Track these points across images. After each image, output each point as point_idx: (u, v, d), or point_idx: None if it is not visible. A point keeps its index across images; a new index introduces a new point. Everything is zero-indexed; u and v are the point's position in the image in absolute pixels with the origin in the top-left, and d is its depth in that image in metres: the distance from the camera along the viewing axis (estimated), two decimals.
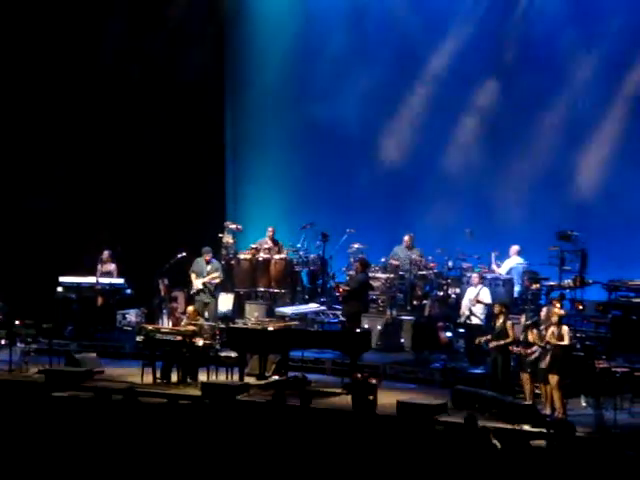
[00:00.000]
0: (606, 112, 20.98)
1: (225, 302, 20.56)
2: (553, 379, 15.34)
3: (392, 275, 20.37)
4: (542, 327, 15.79)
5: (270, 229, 21.47)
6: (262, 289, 21.02)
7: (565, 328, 15.60)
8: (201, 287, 19.51)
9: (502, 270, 19.91)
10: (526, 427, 14.66)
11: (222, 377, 17.37)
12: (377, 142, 22.59)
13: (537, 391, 15.95)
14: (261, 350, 17.50)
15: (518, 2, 22.02)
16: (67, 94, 21.84)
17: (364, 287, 19.07)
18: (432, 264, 20.46)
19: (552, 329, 15.52)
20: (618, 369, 15.88)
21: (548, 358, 15.44)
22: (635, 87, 20.93)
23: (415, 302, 20.20)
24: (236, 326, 18.12)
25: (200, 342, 17.32)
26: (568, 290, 18.63)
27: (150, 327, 18.09)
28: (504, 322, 16.41)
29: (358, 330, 17.95)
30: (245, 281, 21.13)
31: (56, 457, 10.27)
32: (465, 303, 18.50)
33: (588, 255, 18.66)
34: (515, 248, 20.13)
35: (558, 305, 16.42)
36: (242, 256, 21.22)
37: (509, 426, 14.59)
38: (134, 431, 10.74)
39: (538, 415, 15.06)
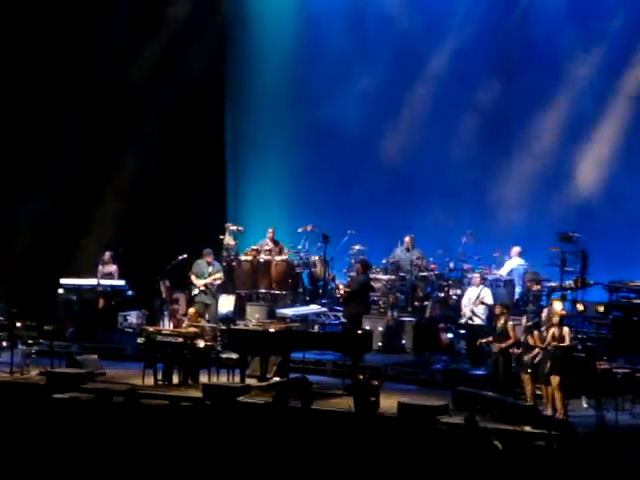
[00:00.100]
0: (607, 112, 20.99)
1: (226, 303, 20.56)
2: (554, 380, 15.34)
3: (393, 276, 20.37)
4: (543, 328, 15.79)
5: (270, 230, 21.46)
6: (263, 290, 21.02)
7: (566, 329, 15.60)
8: (202, 288, 19.49)
9: (503, 271, 19.90)
10: (527, 428, 14.65)
11: (223, 379, 17.36)
12: (378, 143, 22.58)
13: (538, 392, 15.95)
14: (262, 352, 17.48)
15: (518, 1, 22.05)
16: (67, 94, 21.84)
17: (365, 288, 19.06)
18: (433, 265, 20.46)
19: (553, 330, 15.52)
20: (619, 370, 15.88)
21: (549, 359, 15.44)
22: (636, 86, 20.92)
23: (416, 303, 20.20)
24: (237, 327, 18.11)
25: (201, 344, 17.31)
26: (569, 291, 18.64)
27: (151, 329, 18.08)
28: (505, 323, 16.41)
29: (359, 331, 17.93)
30: (246, 283, 21.13)
31: (57, 459, 10.26)
32: (465, 303, 18.51)
33: (589, 256, 18.66)
34: (516, 249, 20.13)
35: (559, 303, 16.44)
36: (243, 258, 21.22)
37: (510, 427, 14.58)
38: (135, 433, 10.73)
39: (539, 416, 15.04)
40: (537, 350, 15.67)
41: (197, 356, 17.27)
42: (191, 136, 22.73)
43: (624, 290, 18.55)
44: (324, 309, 20.00)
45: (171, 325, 18.95)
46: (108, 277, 20.85)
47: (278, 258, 21.05)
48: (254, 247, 21.29)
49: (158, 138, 22.50)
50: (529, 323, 16.19)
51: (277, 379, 17.27)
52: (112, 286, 20.68)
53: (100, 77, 22.14)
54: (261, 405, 14.98)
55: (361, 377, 15.87)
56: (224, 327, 18.50)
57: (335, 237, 20.86)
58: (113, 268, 20.97)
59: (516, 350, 16.17)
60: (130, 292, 20.78)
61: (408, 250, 20.66)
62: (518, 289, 19.81)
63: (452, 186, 21.86)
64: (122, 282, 20.75)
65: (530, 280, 19.49)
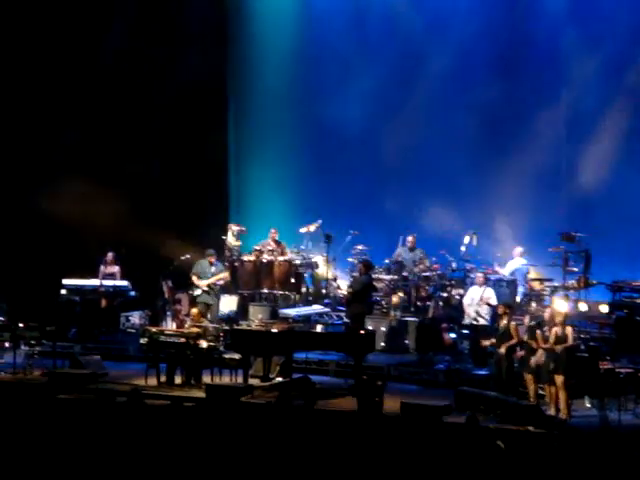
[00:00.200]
0: (610, 111, 20.99)
1: (227, 304, 20.56)
2: (559, 379, 15.32)
3: (396, 276, 20.37)
4: (546, 328, 15.78)
5: (273, 230, 21.46)
6: (266, 291, 21.01)
7: (569, 329, 15.59)
8: (205, 289, 19.47)
9: (505, 271, 19.90)
10: (530, 428, 14.64)
11: (226, 379, 17.36)
12: (380, 142, 22.58)
13: (541, 392, 15.94)
14: (265, 352, 17.47)
15: (519, 1, 22.04)
16: (68, 94, 21.85)
17: (367, 289, 19.05)
18: (435, 265, 20.46)
19: (556, 330, 15.51)
20: (622, 370, 15.86)
21: (553, 359, 15.42)
22: (637, 85, 20.91)
23: (419, 303, 20.20)
24: (240, 328, 18.10)
25: (204, 344, 17.30)
26: (572, 291, 18.63)
27: (154, 329, 18.07)
28: (508, 323, 16.39)
29: (362, 331, 17.92)
30: (249, 283, 21.12)
31: (61, 459, 10.26)
32: (467, 303, 18.48)
33: (592, 256, 18.65)
34: (519, 249, 20.13)
35: (562, 303, 16.45)
36: (246, 258, 21.22)
37: (513, 427, 14.57)
38: (139, 433, 10.73)
39: (542, 416, 15.04)
40: (540, 352, 15.65)
41: (200, 356, 17.26)
42: (193, 136, 22.73)
43: (627, 290, 18.54)
44: (327, 309, 20.01)
45: (174, 325, 18.94)
46: (110, 278, 20.86)
47: (281, 258, 21.05)
48: (257, 247, 21.29)
49: (160, 138, 22.50)
50: (532, 323, 16.17)
51: (280, 379, 17.26)
52: (114, 286, 20.69)
53: (102, 77, 22.14)
54: (264, 405, 14.96)
55: (365, 377, 15.83)
56: (227, 327, 18.49)
57: (338, 237, 20.86)
58: (115, 269, 20.98)
59: (519, 352, 16.15)
60: (133, 292, 20.78)
61: (411, 250, 20.66)
62: (521, 289, 19.80)
63: (455, 186, 21.84)
64: (125, 282, 20.76)
65: (533, 280, 19.50)
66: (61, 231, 21.42)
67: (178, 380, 17.27)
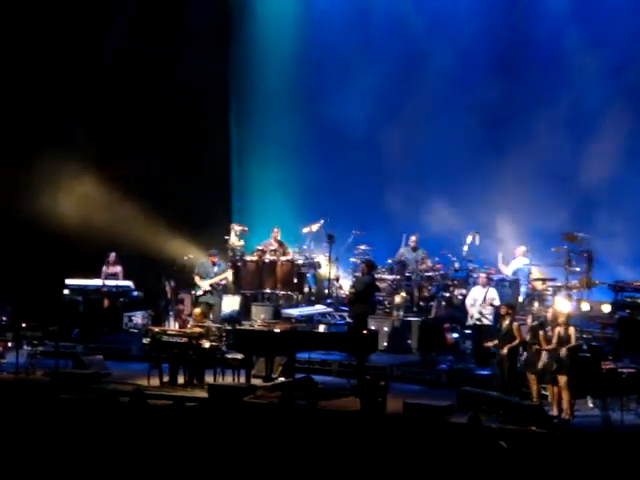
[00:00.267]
0: (612, 111, 20.95)
1: (229, 304, 20.57)
2: (562, 379, 15.32)
3: (399, 276, 20.37)
4: (548, 328, 15.77)
5: (276, 230, 21.46)
6: (268, 291, 21.02)
7: (572, 329, 15.58)
8: (208, 288, 19.47)
9: (508, 271, 19.90)
10: (533, 428, 14.64)
11: (228, 379, 17.36)
12: (382, 142, 22.56)
13: (544, 392, 15.93)
14: (267, 352, 17.47)
15: (521, 1, 22.04)
16: (71, 95, 21.86)
17: (370, 289, 19.05)
18: (438, 265, 20.46)
19: (558, 330, 15.51)
20: (625, 370, 15.86)
21: (556, 359, 15.42)
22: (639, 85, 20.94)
23: (421, 303, 20.20)
24: (242, 328, 18.11)
25: (206, 344, 17.31)
26: (575, 291, 18.63)
27: (156, 329, 18.08)
28: (510, 323, 16.38)
29: (365, 332, 17.92)
30: (251, 283, 21.13)
31: (63, 459, 10.27)
32: (470, 303, 18.47)
33: (594, 256, 18.65)
34: (521, 249, 20.13)
35: (565, 303, 16.45)
36: (248, 258, 21.22)
37: (515, 427, 14.57)
38: (141, 433, 10.74)
39: (545, 416, 15.04)
40: (544, 353, 15.63)
41: (202, 356, 17.26)
42: (195, 136, 22.74)
43: (629, 290, 18.54)
44: (329, 309, 20.02)
45: (176, 325, 18.95)
46: (113, 278, 20.87)
47: (283, 258, 21.06)
48: (259, 247, 21.30)
49: (162, 138, 22.50)
50: (534, 323, 16.16)
51: (282, 379, 17.26)
52: (117, 286, 20.71)
53: (103, 76, 22.15)
54: (267, 405, 14.97)
55: (368, 377, 15.83)
56: (229, 327, 18.50)
57: (340, 237, 20.86)
58: (118, 269, 21.00)
59: (525, 354, 16.14)
60: (135, 292, 20.80)
61: (414, 249, 20.66)
62: (523, 289, 19.80)
63: (457, 186, 21.84)
64: (127, 283, 20.77)
65: (535, 280, 19.50)
66: (64, 231, 21.41)
67: (181, 380, 17.27)
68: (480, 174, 21.76)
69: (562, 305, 16.53)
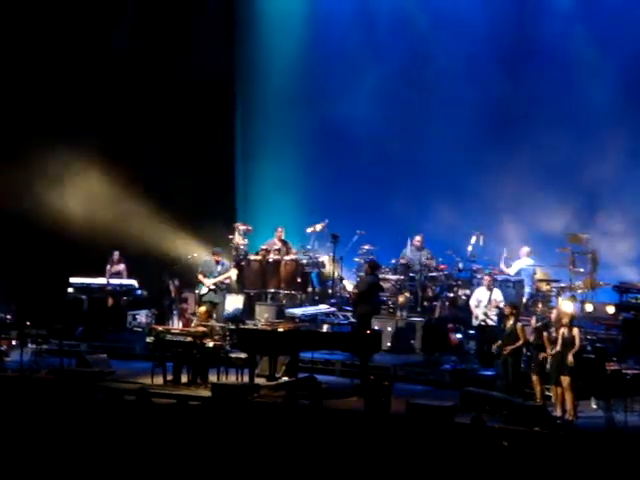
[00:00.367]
0: (618, 110, 20.93)
1: (233, 303, 20.57)
2: (565, 381, 15.32)
3: (402, 276, 20.37)
4: (552, 329, 15.76)
5: (280, 230, 21.46)
6: (272, 290, 21.02)
7: (576, 330, 15.57)
8: (212, 287, 19.47)
9: (511, 271, 19.88)
10: (536, 429, 14.63)
11: (232, 378, 17.37)
12: (387, 143, 22.57)
13: (548, 393, 15.93)
14: (271, 351, 17.48)
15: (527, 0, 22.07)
16: (76, 94, 21.84)
17: (373, 289, 19.05)
18: (442, 265, 20.45)
19: (563, 331, 15.50)
20: (629, 371, 15.85)
21: (559, 360, 15.41)
22: None
23: (425, 303, 20.20)
24: (246, 327, 18.12)
25: (210, 343, 17.32)
26: (579, 292, 18.63)
27: (160, 328, 18.09)
28: (514, 324, 16.37)
29: (368, 331, 17.92)
30: (255, 282, 21.14)
31: (67, 458, 10.28)
32: (474, 304, 18.45)
33: (599, 257, 18.64)
34: (525, 249, 20.12)
35: (569, 304, 16.45)
36: (252, 257, 21.23)
37: (519, 428, 14.57)
38: (145, 431, 10.75)
39: (548, 417, 15.04)
40: (547, 353, 15.63)
41: (206, 355, 17.26)
42: (201, 136, 22.75)
43: (634, 291, 18.53)
44: (333, 309, 20.01)
45: (180, 324, 18.96)
46: (117, 276, 20.89)
47: (287, 258, 21.06)
48: (263, 246, 21.30)
49: (168, 137, 22.51)
50: (538, 324, 16.15)
51: (286, 379, 17.27)
52: (121, 285, 20.73)
53: (109, 76, 22.16)
54: (271, 404, 14.98)
55: (372, 378, 15.83)
56: (233, 326, 18.50)
57: (344, 237, 20.86)
58: (121, 267, 21.02)
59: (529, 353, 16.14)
60: (139, 291, 20.82)
61: (419, 250, 20.66)
62: (527, 289, 19.79)
63: (461, 186, 21.83)
64: (131, 281, 20.79)
65: (540, 280, 19.49)
66: (68, 230, 21.41)
67: (184, 379, 17.28)
68: (485, 174, 21.70)
69: (566, 306, 16.51)
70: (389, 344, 19.40)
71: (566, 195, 21.03)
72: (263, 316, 19.35)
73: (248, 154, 24.34)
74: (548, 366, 15.63)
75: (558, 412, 15.42)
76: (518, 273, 19.92)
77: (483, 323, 18.21)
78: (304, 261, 21.24)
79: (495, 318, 18.09)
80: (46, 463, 10.12)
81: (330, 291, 21.12)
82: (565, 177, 21.24)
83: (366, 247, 20.68)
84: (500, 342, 16.44)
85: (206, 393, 16.32)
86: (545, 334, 15.76)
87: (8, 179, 21.43)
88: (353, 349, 17.55)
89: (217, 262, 19.61)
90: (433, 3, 22.89)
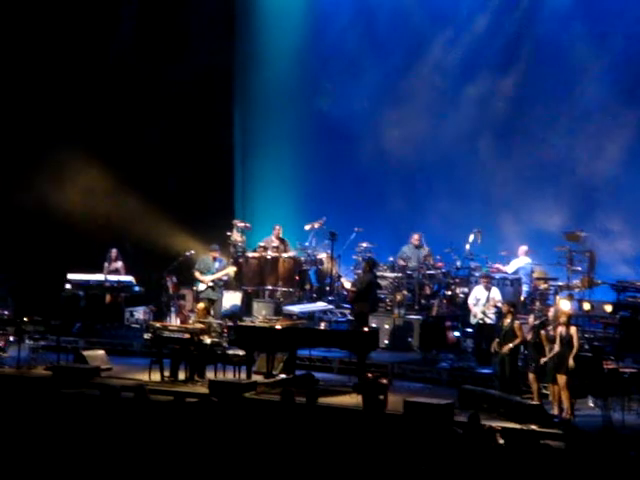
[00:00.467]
0: (616, 108, 20.92)
1: (230, 300, 20.57)
2: (561, 379, 15.31)
3: (400, 274, 20.37)
4: (550, 327, 15.76)
5: (277, 227, 21.45)
6: (270, 287, 21.02)
7: (573, 329, 15.56)
8: (210, 284, 19.46)
9: (510, 269, 19.89)
10: (533, 427, 14.64)
11: (229, 375, 17.36)
12: (385, 140, 22.55)
13: (545, 391, 15.93)
14: (269, 348, 17.48)
15: None
16: (75, 90, 21.86)
17: (371, 287, 19.06)
18: (440, 263, 20.45)
19: (560, 330, 15.49)
20: (626, 370, 15.85)
21: (556, 359, 15.41)
22: None
23: (423, 301, 20.20)
24: (244, 324, 18.11)
25: (208, 340, 17.32)
26: (577, 290, 18.62)
27: (158, 324, 18.11)
28: (512, 322, 16.37)
29: (366, 329, 17.92)
30: (253, 279, 21.13)
31: (63, 453, 10.27)
32: (472, 302, 18.44)
33: (597, 256, 18.65)
34: (523, 248, 20.12)
35: (567, 302, 16.45)
36: (250, 254, 21.23)
37: (516, 426, 14.57)
38: (142, 428, 10.74)
39: (545, 415, 15.04)
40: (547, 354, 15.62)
41: (203, 352, 17.27)
42: (199, 133, 22.75)
43: (632, 289, 18.52)
44: (331, 306, 20.02)
45: (178, 321, 18.95)
46: (114, 273, 20.88)
47: (285, 255, 21.06)
48: (261, 244, 21.30)
49: (166, 135, 22.51)
50: (536, 322, 16.15)
51: (283, 376, 17.26)
52: (119, 282, 20.72)
53: (108, 72, 22.16)
54: (268, 402, 14.97)
55: (370, 375, 15.82)
56: (231, 323, 18.51)
57: (342, 234, 20.85)
58: (119, 264, 21.01)
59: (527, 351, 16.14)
60: (137, 288, 20.82)
61: (417, 247, 20.66)
62: (525, 288, 19.78)
63: (459, 184, 21.85)
64: (129, 278, 20.78)
65: (537, 279, 19.49)
66: (66, 226, 21.42)
67: (182, 375, 17.28)
68: (483, 172, 21.74)
69: (564, 305, 16.51)
70: (387, 342, 19.40)
71: (564, 194, 21.03)
72: (261, 313, 19.35)
73: (247, 151, 24.34)
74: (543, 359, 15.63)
75: (555, 410, 15.42)
76: (516, 271, 19.92)
77: (481, 321, 18.20)
78: (302, 258, 21.23)
79: (493, 317, 18.08)
80: (41, 459, 10.12)
81: (328, 288, 21.11)
82: (563, 176, 21.24)
83: (364, 245, 20.68)
84: (498, 340, 16.44)
85: (203, 390, 16.33)
86: (543, 332, 15.75)
87: (7, 175, 21.46)
88: (351, 347, 17.54)
89: (214, 259, 19.61)
90: None
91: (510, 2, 22.15)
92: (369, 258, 19.75)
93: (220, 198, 23.30)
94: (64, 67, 21.77)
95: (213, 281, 19.47)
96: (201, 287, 19.53)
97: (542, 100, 21.51)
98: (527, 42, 21.80)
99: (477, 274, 19.41)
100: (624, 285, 18.59)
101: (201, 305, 18.15)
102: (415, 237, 20.70)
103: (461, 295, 19.67)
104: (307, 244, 21.41)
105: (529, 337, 16.14)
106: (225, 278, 19.86)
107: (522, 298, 19.53)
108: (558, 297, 18.26)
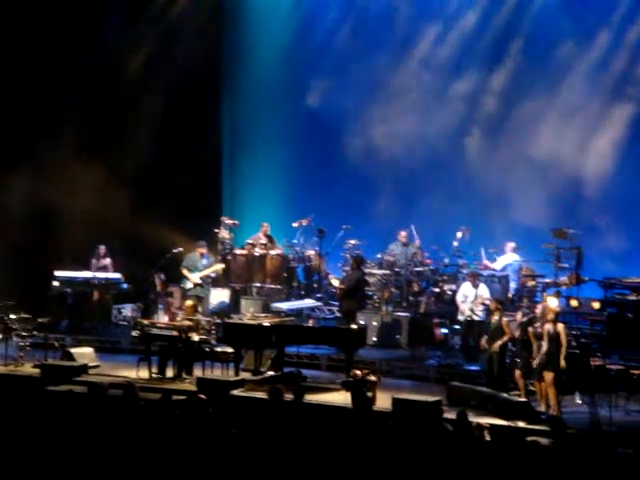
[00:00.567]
0: (604, 105, 20.94)
1: (218, 297, 20.56)
2: (548, 376, 15.34)
3: (388, 272, 20.38)
4: (538, 324, 15.78)
5: (265, 225, 21.45)
6: (258, 284, 21.02)
7: (561, 326, 15.59)
8: (199, 281, 19.44)
9: (497, 266, 19.91)
10: (521, 424, 14.68)
11: (217, 372, 17.36)
12: (374, 137, 22.52)
13: (531, 388, 15.96)
14: (256, 345, 17.48)
15: None
16: (62, 86, 21.78)
17: (359, 284, 19.07)
18: (428, 260, 20.47)
19: (548, 327, 15.51)
20: (613, 367, 15.89)
21: (543, 355, 15.44)
22: (633, 77, 20.93)
23: (411, 298, 20.21)
24: (232, 321, 18.10)
25: (196, 337, 17.30)
26: (564, 287, 18.66)
27: (146, 322, 18.09)
28: (500, 319, 16.40)
29: (354, 326, 17.93)
30: (241, 276, 21.13)
31: (50, 451, 10.25)
32: (461, 299, 18.46)
33: (584, 252, 18.68)
34: (511, 245, 20.13)
35: (554, 299, 16.49)
36: (238, 251, 21.22)
37: (504, 422, 14.61)
38: (130, 426, 10.73)
39: (533, 412, 15.08)
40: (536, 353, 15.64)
41: (191, 349, 17.26)
42: (187, 130, 22.70)
43: (619, 286, 18.57)
44: (319, 303, 20.05)
45: (166, 318, 18.95)
46: (102, 270, 20.85)
47: (273, 252, 21.06)
48: (249, 241, 21.29)
49: (154, 131, 22.46)
50: (524, 319, 16.18)
51: (271, 373, 17.26)
52: (107, 279, 20.69)
53: (95, 67, 22.09)
54: (256, 399, 14.97)
55: (358, 372, 15.83)
56: (219, 320, 18.50)
57: (330, 232, 20.86)
58: (107, 261, 20.97)
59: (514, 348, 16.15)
60: (125, 285, 20.78)
61: (404, 245, 20.68)
62: (513, 285, 19.81)
63: (448, 181, 21.83)
64: (117, 275, 20.75)
65: (525, 276, 19.53)
66: (54, 223, 21.37)
67: (170, 373, 17.27)
68: (471, 169, 21.74)
69: (551, 302, 16.54)
70: (375, 339, 19.44)
71: (552, 190, 21.04)
72: (249, 310, 19.35)
73: (235, 149, 24.33)
74: (534, 361, 15.66)
75: (542, 407, 15.45)
76: (504, 268, 19.94)
77: (469, 319, 18.23)
78: (290, 256, 21.24)
79: (481, 314, 18.10)
80: (28, 457, 10.10)
81: (316, 286, 21.12)
82: (551, 172, 21.23)
83: (352, 242, 20.70)
84: (487, 337, 16.46)
85: (191, 387, 16.32)
86: (530, 330, 15.78)
87: None
88: (339, 344, 17.57)
89: (201, 255, 19.58)
90: None
91: None
92: (357, 255, 19.76)
93: (208, 195, 23.28)
94: (50, 62, 21.68)
95: (201, 278, 19.45)
96: (189, 284, 19.50)
97: (530, 96, 21.50)
98: (515, 38, 21.79)
99: (465, 271, 19.44)
100: (611, 282, 18.64)
101: (189, 302, 18.13)
102: (402, 234, 20.72)
103: (449, 292, 19.68)
104: (295, 241, 21.40)
105: (517, 334, 16.18)
106: (213, 275, 19.85)
107: (510, 295, 19.56)
108: (546, 294, 18.31)
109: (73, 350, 18.14)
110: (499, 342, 16.21)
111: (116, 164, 21.92)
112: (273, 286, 20.95)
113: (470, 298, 18.28)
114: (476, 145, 21.78)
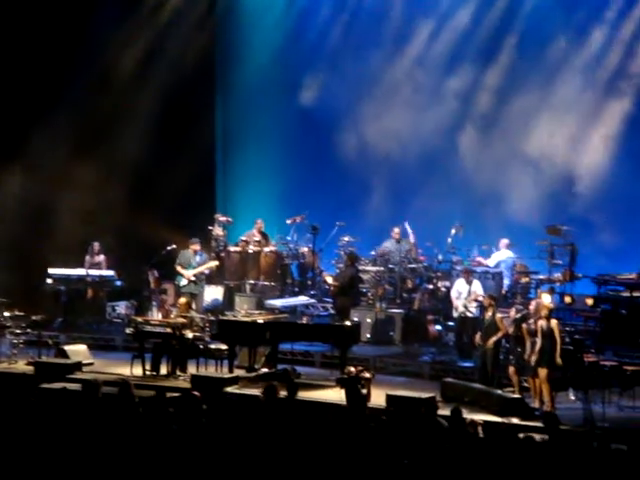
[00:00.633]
0: (598, 102, 20.95)
1: (212, 294, 20.56)
2: (542, 372, 15.36)
3: (382, 268, 20.39)
4: (531, 321, 15.80)
5: (259, 221, 21.45)
6: (252, 281, 21.02)
7: (554, 322, 15.61)
8: (193, 278, 19.43)
9: (490, 262, 19.93)
10: (514, 420, 14.70)
11: (211, 369, 17.36)
12: (367, 134, 22.53)
13: (525, 384, 15.98)
14: (250, 342, 17.48)
15: None
16: (57, 82, 21.74)
17: (353, 281, 19.08)
18: (422, 257, 20.49)
19: (541, 323, 15.53)
20: (606, 363, 15.91)
21: (537, 351, 15.46)
22: (625, 73, 20.92)
23: (405, 295, 20.23)
24: (226, 318, 18.10)
25: (190, 334, 17.30)
26: (558, 284, 18.68)
27: (140, 319, 18.08)
28: (493, 315, 16.41)
29: (348, 323, 17.94)
30: (235, 273, 21.13)
31: (45, 449, 10.24)
32: (455, 296, 18.47)
33: (578, 249, 18.70)
34: (505, 241, 20.16)
35: (548, 296, 16.50)
36: (232, 248, 21.22)
37: (498, 419, 14.63)
38: (124, 423, 10.72)
39: (526, 408, 15.10)
40: (527, 345, 15.65)
41: (185, 346, 17.25)
42: (180, 127, 22.67)
43: (612, 283, 18.59)
44: (313, 300, 20.04)
45: (160, 315, 18.93)
46: (96, 267, 20.84)
47: (267, 249, 21.06)
48: (243, 238, 21.29)
49: (147, 128, 22.43)
50: (517, 315, 16.19)
51: (265, 370, 17.27)
52: (101, 276, 20.68)
53: (89, 65, 22.04)
54: (250, 396, 14.97)
55: (353, 369, 15.83)
56: (212, 317, 18.50)
57: (324, 228, 20.86)
58: (101, 258, 20.96)
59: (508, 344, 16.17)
60: (119, 282, 20.78)
61: (398, 242, 20.68)
62: (506, 281, 19.83)
63: (441, 178, 21.83)
64: (111, 272, 20.74)
65: (519, 272, 19.55)
66: (47, 220, 21.34)
67: (164, 370, 17.26)
68: (465, 165, 21.74)
69: (545, 298, 16.56)
70: (368, 335, 19.45)
71: (545, 187, 21.06)
72: (243, 307, 19.34)
73: (228, 145, 24.31)
74: (527, 357, 15.68)
75: (536, 404, 15.48)
76: (497, 265, 19.96)
77: (463, 315, 18.25)
78: (284, 252, 21.24)
79: (475, 310, 18.11)
80: (21, 454, 10.09)
81: (310, 282, 21.12)
82: (545, 169, 21.25)
83: (346, 239, 20.71)
84: (481, 334, 16.48)
85: (185, 384, 16.31)
86: (524, 326, 15.79)
87: None
88: (333, 340, 17.58)
89: (195, 252, 19.57)
90: None
91: None
92: (351, 252, 19.77)
93: (202, 192, 23.24)
94: (43, 57, 21.63)
95: (195, 275, 19.44)
96: (183, 281, 19.49)
97: (524, 93, 21.50)
98: (508, 35, 21.78)
99: (459, 268, 19.45)
100: (605, 278, 18.66)
101: (183, 299, 18.13)
102: (396, 231, 20.72)
103: (443, 289, 19.70)
104: (289, 238, 21.40)
105: (510, 331, 16.20)
106: (207, 272, 19.84)
107: (503, 292, 19.58)
108: (539, 291, 18.32)
109: (67, 347, 18.13)
110: (493, 338, 16.23)
111: (110, 162, 21.92)
112: (267, 283, 20.95)
113: (464, 294, 18.30)
114: (470, 142, 21.77)
